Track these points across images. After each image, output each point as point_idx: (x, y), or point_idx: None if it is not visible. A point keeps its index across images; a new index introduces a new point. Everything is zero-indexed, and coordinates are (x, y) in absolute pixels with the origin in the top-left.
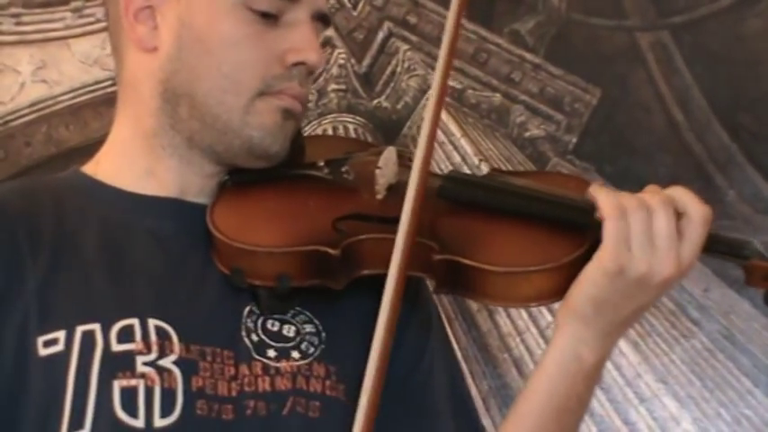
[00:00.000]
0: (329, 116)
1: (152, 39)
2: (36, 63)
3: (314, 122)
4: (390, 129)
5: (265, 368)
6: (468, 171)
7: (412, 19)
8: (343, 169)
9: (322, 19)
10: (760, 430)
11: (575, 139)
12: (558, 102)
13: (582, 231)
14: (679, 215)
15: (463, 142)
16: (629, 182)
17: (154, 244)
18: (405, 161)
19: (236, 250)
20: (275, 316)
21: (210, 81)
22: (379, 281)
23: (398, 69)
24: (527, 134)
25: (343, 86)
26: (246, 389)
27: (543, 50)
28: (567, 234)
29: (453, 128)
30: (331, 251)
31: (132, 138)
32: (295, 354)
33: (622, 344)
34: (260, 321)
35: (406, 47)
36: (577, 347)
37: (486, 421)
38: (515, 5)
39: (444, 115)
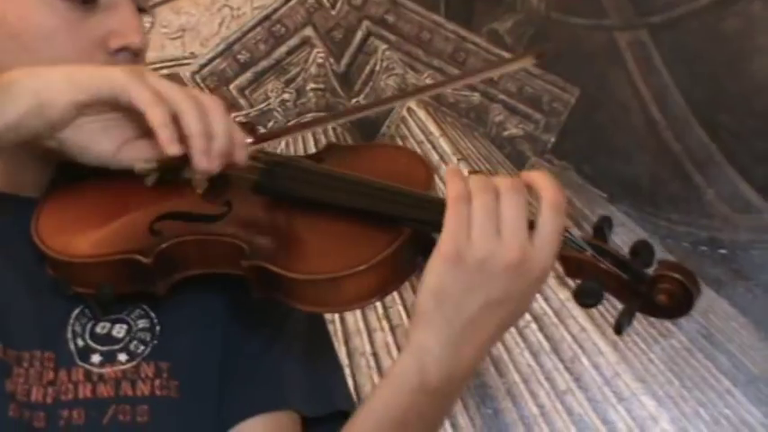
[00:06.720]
0: (308, 115)
1: None
2: None
3: (293, 122)
4: (368, 128)
5: (87, 375)
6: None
7: (390, 18)
8: None
9: (141, 9)
10: (738, 430)
11: (553, 139)
12: (536, 101)
13: (397, 223)
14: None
15: (442, 141)
16: (607, 181)
17: None
18: None
19: (54, 260)
20: (109, 316)
21: None
22: (229, 277)
23: (377, 68)
24: (505, 133)
25: (321, 86)
26: (62, 397)
27: (522, 50)
28: (384, 227)
29: (432, 127)
30: (143, 259)
31: None
32: (122, 356)
33: (600, 343)
34: (89, 324)
35: (384, 46)
36: (422, 357)
37: (462, 420)
38: (494, 5)
39: (423, 114)
